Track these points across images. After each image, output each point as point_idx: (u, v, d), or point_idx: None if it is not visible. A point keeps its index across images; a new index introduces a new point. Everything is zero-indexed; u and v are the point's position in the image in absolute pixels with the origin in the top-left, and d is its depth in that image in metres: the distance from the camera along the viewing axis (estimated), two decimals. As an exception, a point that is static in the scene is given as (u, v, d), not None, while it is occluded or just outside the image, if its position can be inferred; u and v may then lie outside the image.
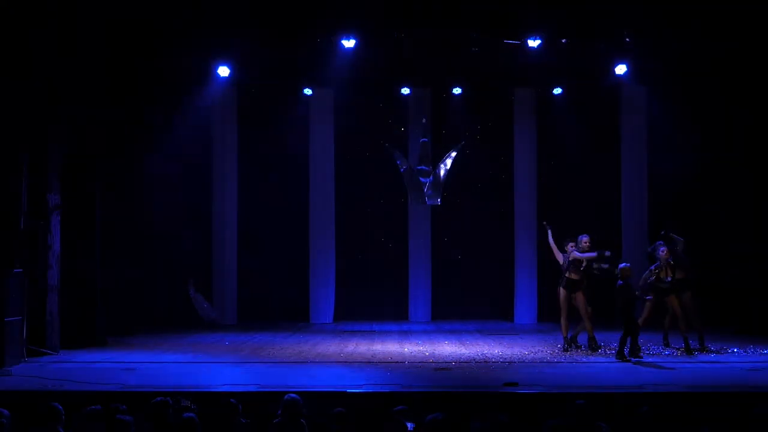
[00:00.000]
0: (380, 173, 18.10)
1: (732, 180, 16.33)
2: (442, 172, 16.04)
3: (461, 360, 12.32)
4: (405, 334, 15.95)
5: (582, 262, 13.32)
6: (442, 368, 11.63)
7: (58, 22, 13.10)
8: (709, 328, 15.66)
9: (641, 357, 12.26)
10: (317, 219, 18.59)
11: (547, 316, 17.95)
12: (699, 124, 16.83)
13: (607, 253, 13.45)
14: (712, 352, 13.01)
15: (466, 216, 18.66)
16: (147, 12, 13.96)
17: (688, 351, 12.83)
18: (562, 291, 13.43)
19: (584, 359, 12.41)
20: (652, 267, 13.28)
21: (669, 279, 13.00)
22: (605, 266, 13.44)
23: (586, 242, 13.53)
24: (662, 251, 13.22)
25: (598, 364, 12.03)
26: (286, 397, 7.93)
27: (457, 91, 18.21)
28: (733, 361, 12.29)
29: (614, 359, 12.25)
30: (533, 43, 15.42)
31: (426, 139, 16.37)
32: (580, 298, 13.34)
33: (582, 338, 13.75)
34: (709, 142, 16.72)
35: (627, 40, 15.54)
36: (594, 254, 13.35)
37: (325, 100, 18.50)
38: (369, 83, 17.52)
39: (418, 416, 7.82)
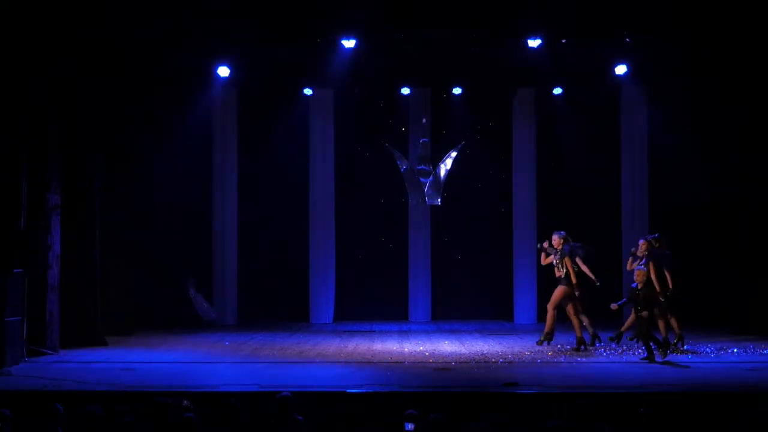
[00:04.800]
0: (380, 173, 18.09)
1: (732, 179, 16.29)
2: (442, 172, 16.04)
3: (461, 360, 12.32)
4: (405, 334, 15.95)
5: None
6: (442, 368, 11.64)
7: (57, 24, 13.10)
8: (709, 328, 15.79)
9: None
10: (317, 219, 18.59)
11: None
12: (699, 124, 16.82)
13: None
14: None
15: (466, 216, 18.65)
16: (147, 12, 13.96)
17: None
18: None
19: (584, 359, 12.41)
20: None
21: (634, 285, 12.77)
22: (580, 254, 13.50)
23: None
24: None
25: (598, 364, 12.03)
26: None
27: (457, 91, 18.20)
28: (733, 361, 12.29)
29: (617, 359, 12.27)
30: (533, 43, 15.43)
31: (426, 139, 16.38)
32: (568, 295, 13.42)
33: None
34: (709, 142, 16.70)
35: (627, 40, 15.54)
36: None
37: (325, 100, 18.49)
38: (369, 83, 17.51)
39: (419, 416, 7.82)
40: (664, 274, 13.13)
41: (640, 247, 13.37)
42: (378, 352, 13.22)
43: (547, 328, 13.57)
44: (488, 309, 18.70)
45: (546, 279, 18.16)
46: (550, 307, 13.62)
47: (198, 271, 17.89)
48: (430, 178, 15.97)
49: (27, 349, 12.28)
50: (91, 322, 14.08)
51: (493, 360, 12.30)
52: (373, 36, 15.47)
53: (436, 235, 18.72)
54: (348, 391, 9.71)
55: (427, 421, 7.53)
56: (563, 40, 15.57)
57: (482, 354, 12.93)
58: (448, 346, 13.92)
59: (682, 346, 13.26)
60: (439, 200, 16.24)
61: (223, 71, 16.83)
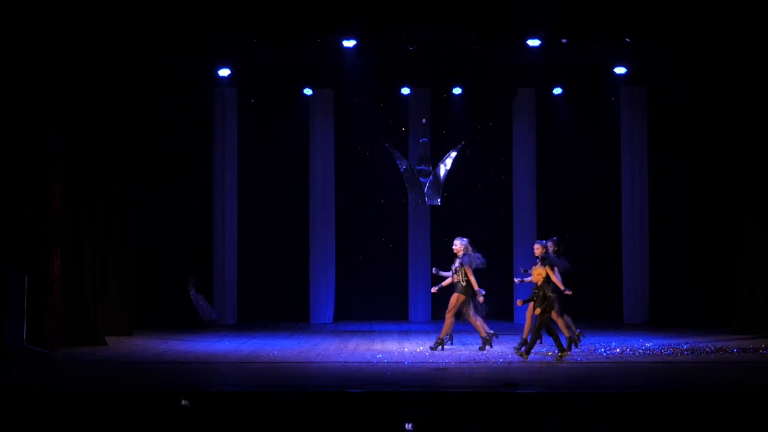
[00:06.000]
0: (380, 173, 18.10)
1: (733, 178, 16.27)
2: (442, 172, 16.04)
3: (461, 360, 12.32)
4: (405, 334, 15.95)
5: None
6: (442, 368, 11.63)
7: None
8: (709, 328, 15.81)
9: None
10: (317, 219, 18.60)
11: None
12: (699, 124, 16.81)
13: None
14: None
15: (466, 216, 18.63)
16: (147, 12, 13.96)
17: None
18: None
19: (584, 359, 12.40)
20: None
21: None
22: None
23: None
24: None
25: (599, 364, 12.03)
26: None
27: (457, 91, 18.22)
28: (733, 360, 12.29)
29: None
30: (533, 43, 15.45)
31: (426, 139, 16.37)
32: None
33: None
34: (709, 141, 16.69)
35: (627, 40, 15.54)
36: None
37: (325, 100, 18.51)
38: (369, 83, 17.52)
39: (419, 416, 7.83)
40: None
41: (535, 250, 13.46)
42: (378, 352, 13.21)
43: (443, 333, 13.47)
44: (488, 309, 18.64)
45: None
46: (448, 314, 13.51)
47: (198, 271, 17.89)
48: (430, 178, 15.97)
49: (27, 349, 12.26)
50: (91, 323, 14.07)
51: (493, 360, 12.30)
52: (373, 36, 15.48)
53: (436, 235, 18.71)
54: (348, 391, 9.70)
55: (427, 421, 7.53)
56: (563, 40, 15.58)
57: (482, 354, 12.92)
58: (448, 346, 13.91)
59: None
60: (438, 200, 16.24)
61: (223, 71, 16.86)
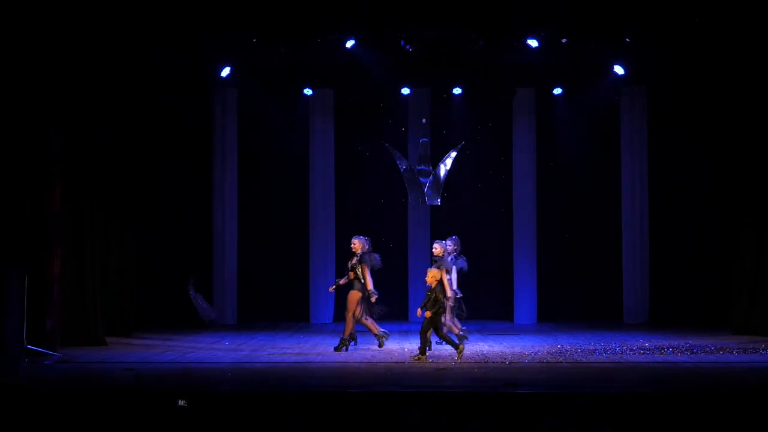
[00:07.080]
0: (380, 173, 18.10)
1: (733, 179, 16.26)
2: (442, 172, 16.04)
3: (461, 360, 12.31)
4: (405, 334, 15.92)
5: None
6: (442, 368, 11.63)
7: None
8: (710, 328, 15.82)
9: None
10: (317, 219, 18.60)
11: (547, 316, 17.98)
12: (699, 124, 16.82)
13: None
14: None
15: (466, 216, 18.64)
16: (147, 12, 13.97)
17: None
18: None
19: (584, 359, 12.40)
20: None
21: None
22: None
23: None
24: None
25: (599, 364, 12.02)
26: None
27: (457, 91, 18.23)
28: (733, 360, 12.29)
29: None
30: (533, 43, 15.45)
31: (426, 139, 16.37)
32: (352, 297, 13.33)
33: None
34: (710, 141, 16.69)
35: (627, 40, 15.55)
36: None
37: (325, 100, 18.51)
38: (369, 83, 17.53)
39: (419, 416, 7.82)
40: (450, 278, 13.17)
41: (434, 250, 13.43)
42: (378, 352, 13.21)
43: (346, 333, 13.31)
44: (488, 309, 18.68)
45: (546, 279, 18.27)
46: (348, 314, 13.30)
47: (198, 271, 17.89)
48: (430, 178, 15.97)
49: (27, 349, 12.26)
50: (91, 322, 14.07)
51: (493, 360, 12.30)
52: (373, 36, 15.50)
53: (436, 235, 18.62)
54: (348, 391, 9.70)
55: (427, 421, 7.53)
56: (563, 40, 15.59)
57: (482, 354, 12.92)
58: (448, 346, 13.91)
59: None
60: (438, 200, 16.24)
61: (224, 71, 16.86)
